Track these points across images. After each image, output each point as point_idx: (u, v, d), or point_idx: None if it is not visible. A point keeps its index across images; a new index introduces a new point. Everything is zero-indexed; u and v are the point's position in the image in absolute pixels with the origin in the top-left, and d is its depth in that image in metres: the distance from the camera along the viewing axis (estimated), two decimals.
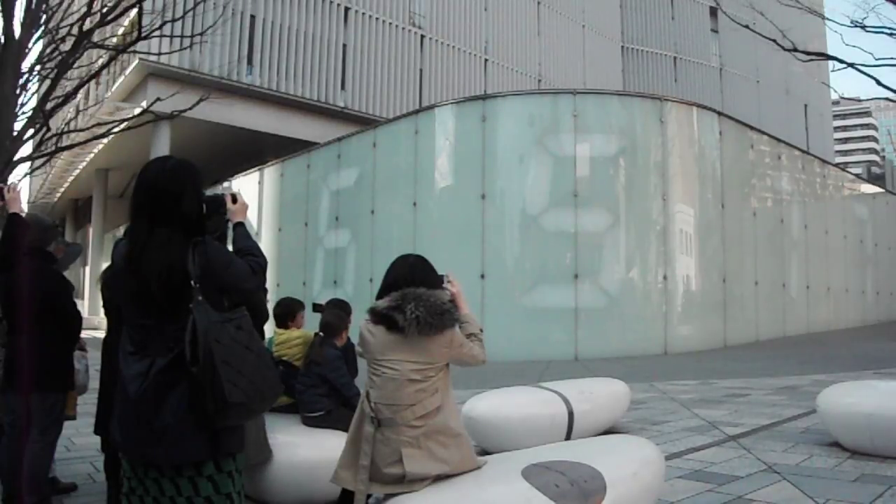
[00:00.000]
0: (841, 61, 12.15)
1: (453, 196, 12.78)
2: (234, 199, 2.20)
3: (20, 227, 3.24)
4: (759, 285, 14.16)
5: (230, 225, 2.32)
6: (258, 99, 23.71)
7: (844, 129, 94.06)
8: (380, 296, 2.51)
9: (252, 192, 19.15)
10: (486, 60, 31.60)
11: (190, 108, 12.63)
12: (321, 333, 3.73)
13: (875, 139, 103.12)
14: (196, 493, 1.83)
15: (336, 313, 3.82)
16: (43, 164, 14.79)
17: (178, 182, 1.93)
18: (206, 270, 1.85)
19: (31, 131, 10.57)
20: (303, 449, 3.41)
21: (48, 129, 11.00)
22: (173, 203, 1.90)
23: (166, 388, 1.79)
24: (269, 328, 3.92)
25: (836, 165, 21.59)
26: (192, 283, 1.81)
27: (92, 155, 26.91)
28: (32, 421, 3.21)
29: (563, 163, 12.11)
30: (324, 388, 3.58)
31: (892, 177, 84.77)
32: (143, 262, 1.86)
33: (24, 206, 3.41)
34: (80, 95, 17.36)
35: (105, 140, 19.59)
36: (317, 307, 4.16)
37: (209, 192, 2.35)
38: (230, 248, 2.18)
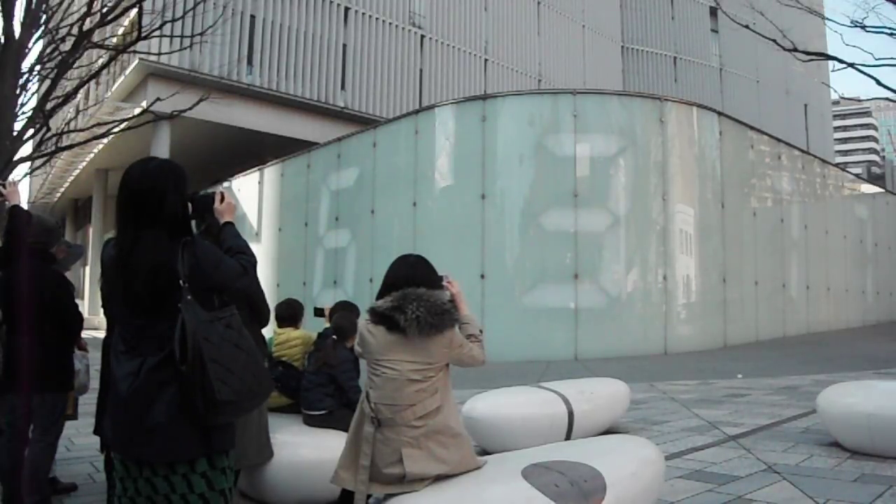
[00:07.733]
0: (841, 61, 12.16)
1: (453, 196, 12.77)
2: (222, 198, 2.20)
3: (22, 219, 3.24)
4: (759, 285, 14.16)
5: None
6: (258, 99, 23.69)
7: (844, 129, 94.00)
8: (380, 296, 2.51)
9: (252, 192, 19.17)
10: (486, 60, 31.56)
11: (190, 108, 12.64)
12: (334, 336, 3.74)
13: (875, 139, 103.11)
14: (190, 489, 1.84)
15: (346, 315, 3.85)
16: (43, 164, 14.79)
17: (160, 183, 1.94)
18: (195, 269, 1.86)
19: (31, 131, 10.57)
20: (303, 449, 3.41)
21: (48, 129, 11.00)
22: (156, 204, 1.91)
23: (157, 387, 1.81)
24: (269, 328, 3.92)
25: (836, 165, 21.55)
26: (181, 282, 1.83)
27: (92, 155, 26.90)
28: (33, 421, 3.22)
29: (563, 163, 12.11)
30: (330, 388, 3.60)
31: (892, 177, 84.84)
32: (131, 263, 1.88)
33: (24, 206, 3.40)
34: (80, 95, 17.36)
35: (105, 140, 19.58)
36: (318, 311, 4.16)
37: (209, 191, 2.35)
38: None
